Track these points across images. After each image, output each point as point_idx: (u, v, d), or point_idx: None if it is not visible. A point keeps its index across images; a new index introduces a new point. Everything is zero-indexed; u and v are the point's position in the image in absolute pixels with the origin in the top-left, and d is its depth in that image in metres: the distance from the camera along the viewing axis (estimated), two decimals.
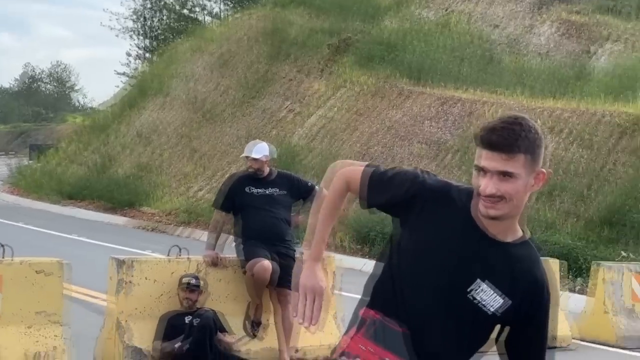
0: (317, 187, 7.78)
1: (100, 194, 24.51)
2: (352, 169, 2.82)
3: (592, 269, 9.48)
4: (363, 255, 16.11)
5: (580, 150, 16.08)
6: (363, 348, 2.62)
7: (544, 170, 2.62)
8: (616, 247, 13.45)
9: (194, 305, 6.97)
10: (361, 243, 16.50)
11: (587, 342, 9.18)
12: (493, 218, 2.58)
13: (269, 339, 7.44)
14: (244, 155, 7.48)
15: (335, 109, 22.16)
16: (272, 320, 7.43)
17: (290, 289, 7.33)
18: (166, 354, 6.82)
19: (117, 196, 23.68)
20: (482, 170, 2.55)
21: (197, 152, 24.74)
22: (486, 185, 2.54)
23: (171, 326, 6.86)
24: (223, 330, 7.05)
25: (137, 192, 23.82)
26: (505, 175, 2.53)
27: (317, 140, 21.58)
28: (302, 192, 7.64)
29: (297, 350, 7.54)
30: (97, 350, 7.19)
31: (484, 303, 2.61)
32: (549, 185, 15.57)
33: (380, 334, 2.62)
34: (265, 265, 7.13)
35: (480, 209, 2.58)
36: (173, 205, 22.32)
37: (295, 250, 7.53)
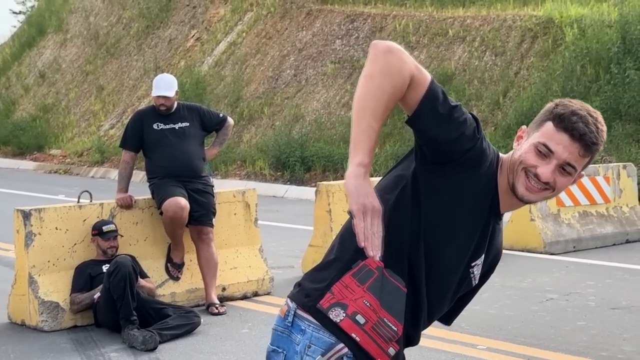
0: (228, 118, 7.44)
1: (6, 139, 23.63)
2: (421, 71, 2.25)
3: None
4: (284, 182, 15.88)
5: (493, 57, 16.00)
6: (366, 303, 2.25)
7: (582, 173, 2.41)
8: None
9: (115, 253, 6.61)
10: (281, 169, 16.25)
11: (515, 250, 9.16)
12: (528, 202, 2.39)
13: (194, 279, 7.15)
14: (154, 94, 7.03)
15: (244, 34, 21.58)
16: (195, 261, 7.13)
17: (211, 226, 7.04)
18: (85, 306, 6.46)
19: (25, 140, 22.85)
20: (547, 152, 2.30)
21: (105, 89, 23.92)
22: (547, 171, 2.30)
23: (89, 276, 6.49)
24: (144, 275, 6.72)
25: (45, 135, 23.03)
26: (568, 167, 2.31)
27: (227, 68, 21.04)
28: (214, 124, 7.29)
29: (224, 289, 7.28)
30: (10, 308, 6.80)
31: (475, 275, 2.46)
32: (464, 95, 15.51)
33: (380, 287, 2.27)
34: (182, 203, 6.79)
35: (519, 190, 2.34)
36: (84, 146, 21.63)
37: (213, 186, 7.21)
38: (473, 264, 2.44)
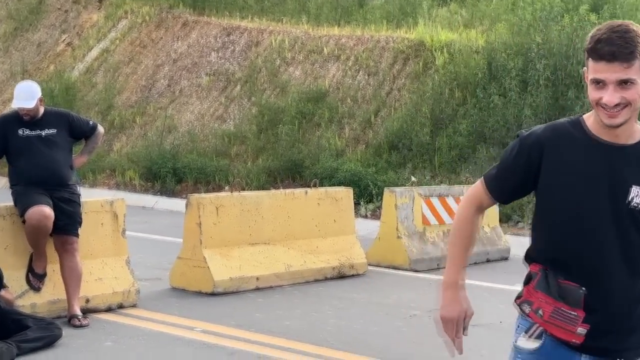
0: (99, 126, 7.28)
1: None
2: (470, 190, 2.96)
3: (384, 194, 9.60)
4: (154, 193, 15.66)
5: (367, 77, 16.30)
6: (540, 299, 2.77)
7: None
8: (404, 171, 13.81)
9: None
10: (152, 180, 16.01)
11: (382, 267, 9.34)
12: (618, 126, 2.66)
13: (56, 290, 6.93)
14: (14, 106, 6.79)
15: (117, 41, 21.19)
16: (58, 271, 6.91)
17: (76, 236, 6.86)
18: None
19: None
20: (600, 83, 2.62)
21: None
22: (610, 96, 2.61)
23: None
24: (2, 286, 6.47)
25: None
26: (625, 83, 2.60)
27: (99, 75, 20.59)
28: (83, 132, 7.12)
29: (88, 300, 7.09)
30: None
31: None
32: (337, 113, 15.74)
33: (548, 285, 2.74)
34: (46, 212, 6.58)
35: (605, 121, 2.66)
36: None
37: (80, 195, 7.02)
38: (629, 200, 2.68)
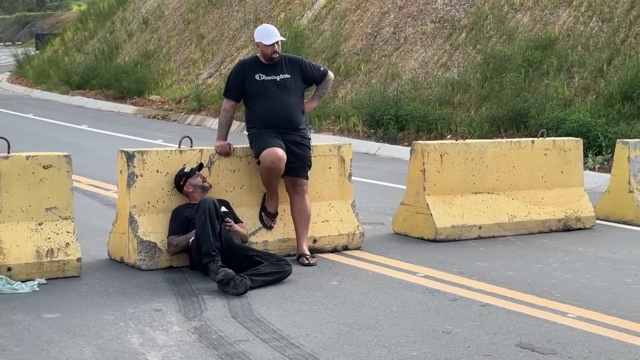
0: (329, 72, 7.46)
1: (108, 83, 24.21)
2: None
3: (616, 146, 9.20)
4: (377, 139, 15.88)
5: (600, 23, 15.54)
6: None
7: None
8: (637, 123, 13.12)
9: (210, 185, 6.83)
10: (375, 127, 16.23)
11: (611, 222, 9.00)
12: None
13: (286, 229, 7.28)
14: (268, 42, 7.07)
15: None
16: (288, 211, 7.25)
17: (306, 178, 7.14)
18: (181, 249, 6.67)
19: (126, 85, 23.39)
20: None
21: (205, 38, 24.23)
22: None
23: (185, 219, 6.67)
24: (238, 221, 6.88)
25: (146, 80, 23.52)
26: None
27: (326, 23, 21.01)
28: (315, 77, 7.33)
29: (315, 241, 7.39)
30: (110, 245, 7.07)
31: None
32: (567, 62, 15.15)
33: None
34: (279, 154, 6.90)
35: None
36: (182, 93, 22.01)
37: (310, 139, 7.29)
38: None
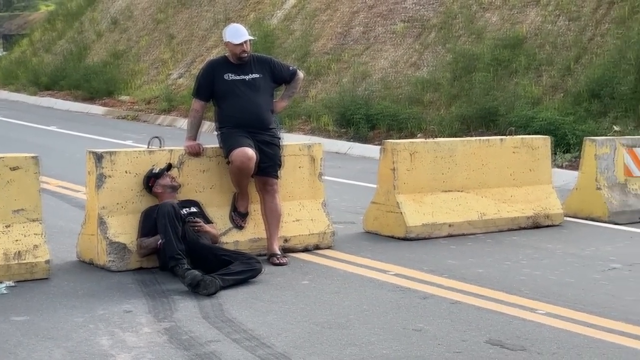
0: (299, 71, 7.46)
1: (78, 83, 24.03)
2: None
3: (584, 144, 9.29)
4: (348, 139, 15.91)
5: (567, 22, 15.69)
6: None
7: None
8: (604, 121, 13.26)
9: (180, 185, 6.81)
10: (345, 126, 16.26)
11: (579, 218, 9.09)
12: None
13: (257, 229, 7.27)
14: (237, 41, 7.05)
15: None
16: (259, 211, 7.24)
17: (276, 178, 7.14)
18: (151, 250, 6.63)
19: (95, 85, 23.23)
20: None
21: (175, 38, 24.14)
22: None
23: (154, 221, 6.63)
24: (208, 221, 6.86)
25: (115, 81, 23.37)
26: None
27: (296, 23, 21.02)
28: (284, 77, 7.33)
29: (286, 240, 7.38)
30: (80, 247, 7.02)
31: None
32: (535, 60, 15.27)
33: None
34: (249, 153, 6.89)
35: None
36: (152, 94, 21.91)
37: (280, 138, 7.28)
38: None
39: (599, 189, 9.05)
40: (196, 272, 6.05)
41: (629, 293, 6.23)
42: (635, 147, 9.31)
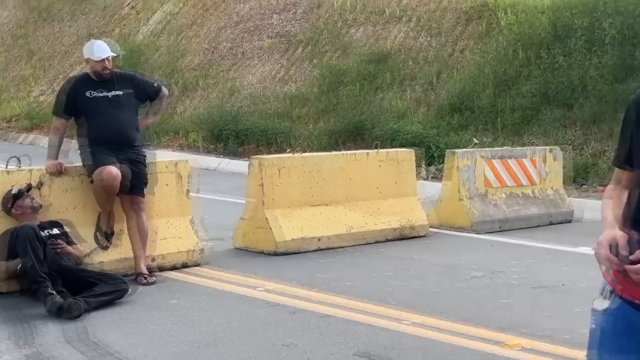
0: (163, 87, 7.37)
1: None
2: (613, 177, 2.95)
3: (446, 156, 9.57)
4: (217, 155, 15.83)
5: (429, 38, 16.15)
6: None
7: None
8: (466, 134, 13.71)
9: (39, 206, 6.58)
10: (215, 142, 16.18)
11: (443, 229, 9.35)
12: None
13: (123, 249, 7.12)
14: (98, 58, 6.89)
15: (181, 4, 21.34)
16: (125, 230, 7.09)
17: (142, 196, 7.02)
18: (11, 274, 6.38)
19: None
20: None
21: (36, 54, 23.44)
22: None
23: (16, 243, 6.39)
24: (71, 242, 6.67)
25: None
26: None
27: (162, 38, 20.80)
28: (149, 93, 7.22)
29: (153, 259, 7.26)
30: None
31: None
32: (399, 75, 15.65)
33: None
34: (114, 172, 6.74)
35: None
36: (13, 112, 21.19)
37: (145, 155, 7.16)
38: None
39: (461, 199, 9.33)
40: (57, 298, 5.86)
41: (490, 300, 6.44)
42: (494, 158, 9.67)
